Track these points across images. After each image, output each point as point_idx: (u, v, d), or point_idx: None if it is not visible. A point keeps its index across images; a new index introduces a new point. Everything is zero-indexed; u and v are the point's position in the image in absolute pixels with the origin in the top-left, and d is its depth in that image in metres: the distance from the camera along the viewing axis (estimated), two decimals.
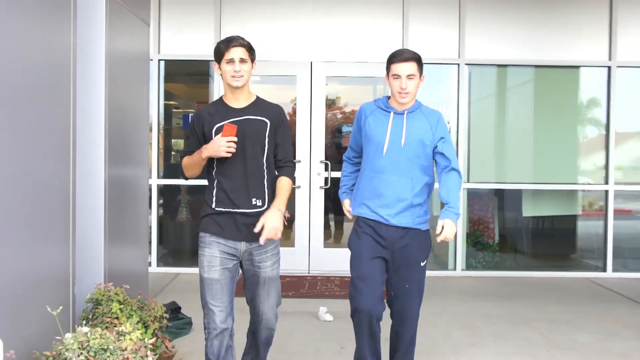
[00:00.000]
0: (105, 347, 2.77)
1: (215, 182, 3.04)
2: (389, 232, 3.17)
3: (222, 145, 2.86)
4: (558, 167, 7.11)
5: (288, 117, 7.80)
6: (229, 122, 2.92)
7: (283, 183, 3.07)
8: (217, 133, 2.96)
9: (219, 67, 3.02)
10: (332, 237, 7.17)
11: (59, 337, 2.81)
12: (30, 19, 2.96)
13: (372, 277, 3.16)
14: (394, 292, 3.26)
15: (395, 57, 3.18)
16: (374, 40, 6.77)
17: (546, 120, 7.10)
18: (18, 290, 2.81)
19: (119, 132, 4.10)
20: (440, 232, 3.03)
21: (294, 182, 3.15)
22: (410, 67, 3.14)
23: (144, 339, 3.10)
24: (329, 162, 6.71)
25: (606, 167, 6.97)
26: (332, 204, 6.93)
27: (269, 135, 3.03)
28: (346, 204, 3.44)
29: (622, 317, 5.20)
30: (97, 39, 3.86)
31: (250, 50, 3.03)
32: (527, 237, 7.35)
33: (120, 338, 2.98)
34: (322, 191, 6.74)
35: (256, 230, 2.89)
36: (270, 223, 2.90)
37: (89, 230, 3.82)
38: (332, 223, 7.20)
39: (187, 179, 3.20)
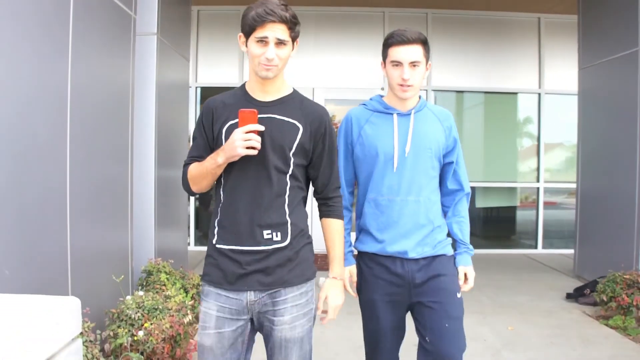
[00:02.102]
0: (156, 306, 2.80)
1: (221, 205, 1.65)
2: (406, 267, 1.86)
3: (237, 138, 1.50)
4: (502, 169, 7.14)
5: None
6: (246, 109, 1.53)
7: (338, 233, 1.69)
8: (229, 133, 1.57)
9: (245, 42, 1.58)
10: None
11: (121, 299, 2.85)
12: (102, 59, 3.00)
13: (391, 350, 1.96)
14: (431, 337, 1.88)
15: (394, 38, 1.82)
16: (363, 70, 6.78)
17: (493, 134, 7.12)
18: (91, 262, 2.84)
19: (165, 142, 4.13)
20: (465, 281, 1.95)
21: (343, 221, 1.74)
22: (414, 51, 1.80)
23: (184, 300, 3.13)
24: None
25: (538, 169, 7.01)
26: None
27: (298, 146, 1.60)
28: (351, 275, 1.97)
29: (549, 283, 5.23)
30: (149, 72, 3.90)
31: (293, 26, 1.57)
32: (479, 223, 7.38)
33: (167, 300, 3.01)
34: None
35: (319, 312, 1.68)
36: (335, 301, 1.69)
37: (143, 217, 3.85)
38: None
39: (194, 194, 1.75)
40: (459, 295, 1.89)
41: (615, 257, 4.49)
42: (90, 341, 2.34)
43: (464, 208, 1.98)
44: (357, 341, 3.44)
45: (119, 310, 2.74)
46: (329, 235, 1.70)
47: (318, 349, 3.29)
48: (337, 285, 1.71)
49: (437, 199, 1.93)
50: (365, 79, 6.77)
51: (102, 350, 2.58)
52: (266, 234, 1.57)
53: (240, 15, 1.59)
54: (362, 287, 1.95)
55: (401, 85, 1.81)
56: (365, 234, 1.92)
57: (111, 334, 2.63)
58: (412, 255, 1.84)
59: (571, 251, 5.88)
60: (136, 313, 2.69)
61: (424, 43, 1.83)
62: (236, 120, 1.54)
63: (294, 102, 1.63)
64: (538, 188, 7.01)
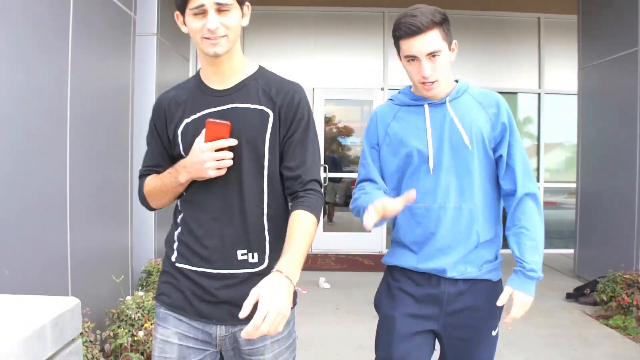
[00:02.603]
0: None
1: (180, 217, 1.36)
2: (442, 288, 1.53)
3: (206, 158, 1.24)
4: None
5: None
6: (212, 119, 1.25)
7: (301, 223, 1.25)
8: (186, 134, 1.30)
9: (184, 22, 1.27)
10: (329, 223, 7.19)
11: (121, 299, 2.85)
12: (102, 59, 3.00)
13: None
14: None
15: (402, 30, 1.45)
16: (362, 71, 6.79)
17: None
18: (91, 263, 2.84)
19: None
20: (507, 311, 1.52)
21: (318, 221, 1.30)
22: (430, 40, 1.44)
23: None
24: (326, 166, 6.73)
25: (538, 169, 7.00)
26: (329, 198, 6.97)
27: (271, 137, 1.29)
28: (369, 212, 1.40)
29: (549, 283, 5.22)
30: (149, 73, 3.90)
31: None
32: None
33: None
34: (322, 188, 6.75)
35: (242, 315, 1.06)
36: (269, 304, 1.06)
37: (143, 217, 3.84)
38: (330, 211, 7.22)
39: (152, 209, 1.46)
40: (494, 332, 1.54)
41: (615, 256, 4.49)
42: (90, 341, 2.34)
43: (525, 215, 1.50)
44: (357, 341, 3.45)
45: (119, 310, 2.74)
46: (294, 226, 1.21)
47: (318, 349, 3.30)
48: (280, 285, 1.09)
49: (491, 205, 1.53)
50: (365, 79, 6.77)
51: (102, 350, 2.58)
52: (240, 254, 1.27)
53: None
54: (384, 303, 1.59)
55: (423, 83, 1.47)
56: (397, 246, 1.58)
57: (111, 334, 2.63)
58: (451, 274, 1.49)
59: (571, 251, 5.87)
60: (136, 313, 2.69)
61: (441, 24, 1.43)
62: (192, 117, 1.27)
63: (258, 84, 1.31)
64: (538, 188, 7.02)
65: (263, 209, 1.30)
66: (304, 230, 1.22)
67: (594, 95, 5.23)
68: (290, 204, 1.33)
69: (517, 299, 1.49)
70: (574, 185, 5.94)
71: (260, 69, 1.36)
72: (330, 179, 6.85)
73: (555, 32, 6.94)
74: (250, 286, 1.10)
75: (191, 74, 6.25)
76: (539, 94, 6.96)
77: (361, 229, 7.11)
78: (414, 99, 1.56)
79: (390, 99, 1.63)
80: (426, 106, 1.54)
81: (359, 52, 6.81)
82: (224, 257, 1.27)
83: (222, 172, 1.25)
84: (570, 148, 7.00)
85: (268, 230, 1.30)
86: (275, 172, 1.30)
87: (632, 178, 4.47)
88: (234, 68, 1.31)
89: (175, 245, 1.34)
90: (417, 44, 1.43)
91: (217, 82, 1.32)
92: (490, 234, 1.54)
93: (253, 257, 1.29)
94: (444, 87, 1.52)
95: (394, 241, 1.63)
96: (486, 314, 1.53)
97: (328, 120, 7.02)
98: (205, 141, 1.23)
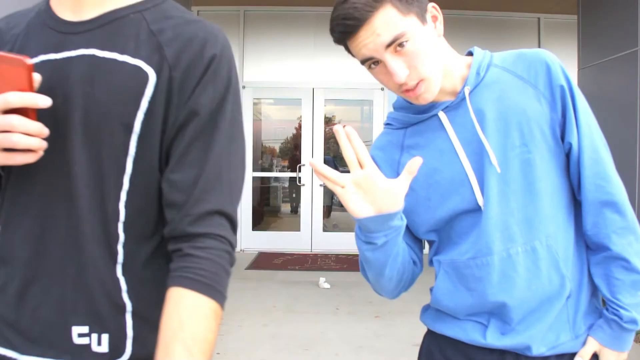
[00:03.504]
0: None
1: None
2: None
3: (7, 122, 0.62)
4: None
5: (294, 131, 7.30)
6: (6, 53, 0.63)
7: (182, 324, 0.62)
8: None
9: None
10: (329, 224, 7.19)
11: None
12: None
13: None
14: None
15: (336, 30, 0.94)
16: (362, 71, 6.72)
17: None
18: None
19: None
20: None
21: (222, 303, 0.67)
22: (381, 25, 0.86)
23: None
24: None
25: None
26: (329, 198, 6.97)
27: (147, 118, 0.68)
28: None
29: None
30: None
31: None
32: None
33: None
34: (322, 188, 6.75)
35: None
36: None
37: None
38: (330, 212, 7.23)
39: None
40: None
41: None
42: None
43: (610, 233, 0.91)
44: (357, 341, 3.45)
45: None
46: (165, 321, 0.64)
47: (318, 349, 3.30)
48: None
49: (567, 225, 0.94)
50: (365, 79, 6.75)
51: None
52: (77, 334, 0.68)
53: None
54: None
55: (406, 91, 0.91)
56: (440, 311, 1.03)
57: None
58: (538, 350, 0.93)
59: None
60: None
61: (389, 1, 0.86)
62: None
63: (143, 20, 0.72)
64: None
65: (116, 250, 0.68)
66: (189, 337, 0.61)
67: (593, 95, 5.23)
68: (171, 251, 0.69)
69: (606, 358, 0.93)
70: None
71: None
72: None
73: (555, 32, 6.95)
74: None
75: None
76: None
77: None
78: (419, 110, 0.98)
79: (387, 123, 1.05)
80: (441, 114, 0.95)
81: None
82: (48, 336, 0.68)
83: (20, 159, 0.65)
84: None
85: (129, 291, 0.69)
86: (149, 184, 0.70)
87: (632, 178, 4.47)
88: None
89: None
90: (365, 40, 0.88)
91: (73, 10, 0.72)
92: (580, 272, 0.95)
93: (100, 343, 0.68)
94: (446, 80, 0.95)
95: (436, 307, 1.04)
96: None
97: (328, 121, 7.02)
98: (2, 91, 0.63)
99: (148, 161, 0.70)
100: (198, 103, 0.70)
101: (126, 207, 0.70)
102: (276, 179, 7.42)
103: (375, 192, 0.84)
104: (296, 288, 4.78)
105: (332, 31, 0.95)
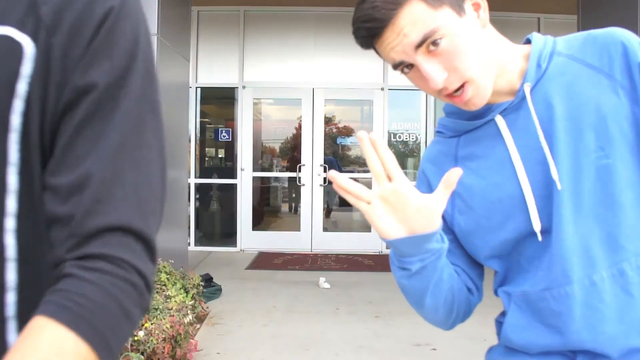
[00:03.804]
0: (156, 306, 2.81)
1: None
2: None
3: None
4: None
5: (294, 131, 7.35)
6: None
7: (29, 351, 0.40)
8: None
9: None
10: (329, 224, 7.19)
11: None
12: None
13: None
14: None
15: (359, 33, 0.77)
16: (362, 71, 6.79)
17: None
18: None
19: (165, 142, 4.14)
20: None
21: (97, 348, 0.42)
22: (408, 23, 0.72)
23: (185, 301, 3.14)
24: (326, 166, 6.73)
25: None
26: (329, 198, 6.97)
27: (32, 95, 0.47)
28: None
29: None
30: None
31: None
32: None
33: (167, 300, 3.02)
34: (322, 188, 6.76)
35: None
36: None
37: None
38: (330, 213, 7.23)
39: None
40: None
41: None
42: None
43: None
44: (357, 341, 3.46)
45: None
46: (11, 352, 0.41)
47: (318, 349, 3.30)
48: None
49: None
50: (365, 79, 6.77)
51: None
52: None
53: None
54: None
55: (450, 97, 0.79)
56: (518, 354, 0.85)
57: None
58: None
59: None
60: None
61: None
62: None
63: None
64: None
65: (4, 260, 0.49)
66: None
67: None
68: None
69: None
70: None
71: None
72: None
73: (555, 32, 6.86)
74: None
75: (191, 74, 6.29)
76: None
77: (361, 229, 7.10)
78: (472, 115, 0.83)
79: (438, 131, 0.91)
80: (498, 119, 0.80)
81: (359, 52, 6.75)
82: None
83: None
84: None
85: (18, 314, 0.50)
86: (35, 176, 0.52)
87: None
88: None
89: None
90: (391, 43, 0.76)
91: None
92: None
93: None
94: (501, 78, 0.80)
95: (507, 346, 0.88)
96: None
97: (328, 121, 7.02)
98: None
99: (28, 151, 0.49)
100: (87, 77, 0.49)
101: (17, 238, 0.48)
102: (276, 179, 7.43)
103: (406, 210, 0.71)
104: (296, 288, 4.78)
105: (355, 37, 0.80)
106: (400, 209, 0.71)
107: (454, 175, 0.71)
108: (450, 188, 0.72)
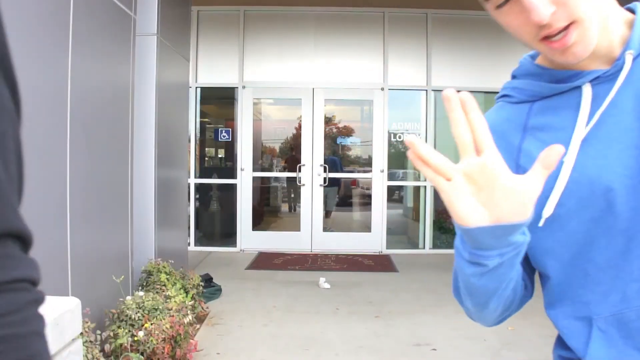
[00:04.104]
0: (156, 307, 2.81)
1: None
2: None
3: None
4: None
5: (294, 131, 7.37)
6: None
7: None
8: None
9: None
10: (329, 224, 7.20)
11: (121, 299, 2.85)
12: (102, 59, 3.00)
13: None
14: None
15: None
16: (362, 71, 6.79)
17: None
18: (91, 263, 2.85)
19: (165, 142, 4.13)
20: None
21: None
22: None
23: (185, 301, 3.13)
24: (326, 166, 6.73)
25: None
26: (329, 199, 6.97)
27: None
28: None
29: None
30: (150, 73, 3.90)
31: None
32: None
33: (167, 300, 3.02)
34: (322, 188, 6.76)
35: None
36: None
37: (143, 217, 3.84)
38: (330, 212, 7.23)
39: None
40: None
41: None
42: (91, 341, 2.34)
43: None
44: (357, 341, 3.46)
45: (119, 310, 2.74)
46: None
47: (318, 349, 3.31)
48: None
49: None
50: (365, 79, 6.77)
51: (102, 350, 2.58)
52: None
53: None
54: None
55: (546, 38, 0.63)
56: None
57: (111, 334, 2.64)
58: None
59: None
60: (136, 313, 2.70)
61: None
62: None
63: None
64: None
65: None
66: None
67: None
68: None
69: None
70: None
71: None
72: (330, 180, 6.84)
73: None
74: None
75: (191, 74, 6.30)
76: None
77: (361, 229, 7.10)
78: (556, 78, 0.70)
79: (504, 95, 0.78)
80: (586, 88, 0.67)
81: (359, 52, 6.82)
82: None
83: None
84: None
85: None
86: None
87: None
88: None
89: None
90: None
91: None
92: None
93: None
94: (601, 37, 0.66)
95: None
96: None
97: (328, 121, 7.02)
98: None
99: None
100: None
101: None
102: (276, 179, 7.43)
103: (494, 191, 0.57)
104: (296, 288, 4.78)
105: None
106: (486, 189, 0.57)
107: (554, 153, 0.56)
108: (549, 169, 0.56)
